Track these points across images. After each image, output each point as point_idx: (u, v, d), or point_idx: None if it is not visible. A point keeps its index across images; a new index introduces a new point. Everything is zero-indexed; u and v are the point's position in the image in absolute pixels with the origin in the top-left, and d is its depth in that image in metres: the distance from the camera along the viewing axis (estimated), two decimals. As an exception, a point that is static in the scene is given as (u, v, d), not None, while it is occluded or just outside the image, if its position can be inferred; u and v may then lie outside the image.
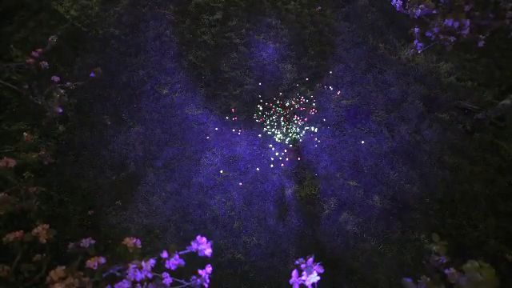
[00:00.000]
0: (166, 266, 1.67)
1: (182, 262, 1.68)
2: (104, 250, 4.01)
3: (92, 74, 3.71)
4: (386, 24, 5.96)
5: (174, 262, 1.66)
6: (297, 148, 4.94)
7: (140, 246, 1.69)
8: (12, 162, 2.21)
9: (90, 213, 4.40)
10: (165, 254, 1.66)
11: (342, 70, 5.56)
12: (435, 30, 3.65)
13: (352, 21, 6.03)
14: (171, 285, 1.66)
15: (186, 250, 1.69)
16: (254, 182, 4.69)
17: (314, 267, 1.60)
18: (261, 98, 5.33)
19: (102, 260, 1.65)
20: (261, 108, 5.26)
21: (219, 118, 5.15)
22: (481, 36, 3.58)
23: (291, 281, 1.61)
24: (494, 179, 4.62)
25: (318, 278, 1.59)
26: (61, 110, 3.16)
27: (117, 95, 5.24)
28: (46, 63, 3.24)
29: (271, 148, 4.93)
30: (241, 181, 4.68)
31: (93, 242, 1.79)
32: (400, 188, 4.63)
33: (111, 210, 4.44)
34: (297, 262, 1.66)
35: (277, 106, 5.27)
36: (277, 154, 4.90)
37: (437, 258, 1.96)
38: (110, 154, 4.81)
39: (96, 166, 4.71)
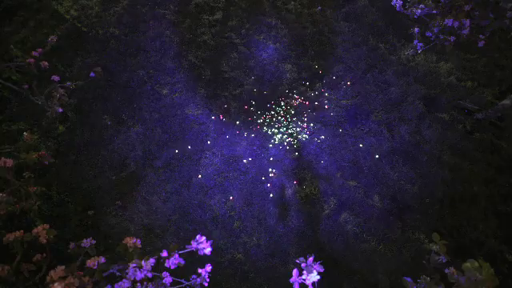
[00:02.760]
0: (166, 265, 1.67)
1: (182, 261, 1.68)
2: (104, 250, 4.01)
3: (92, 74, 3.72)
4: (385, 24, 5.97)
5: (174, 261, 1.66)
6: (297, 148, 4.94)
7: (140, 246, 1.69)
8: (9, 162, 2.20)
9: (89, 213, 4.40)
10: (164, 254, 1.67)
11: (342, 70, 5.56)
12: (435, 29, 3.65)
13: (352, 21, 6.03)
14: (171, 284, 1.66)
15: (185, 249, 1.69)
16: (253, 182, 4.69)
17: (315, 266, 1.60)
18: (261, 98, 5.33)
19: (102, 259, 1.65)
20: (261, 108, 5.26)
21: (219, 118, 5.15)
22: (481, 36, 3.58)
23: (291, 280, 1.61)
24: (494, 179, 4.62)
25: (318, 277, 1.59)
26: (61, 110, 3.16)
27: (117, 95, 5.25)
28: (46, 63, 3.25)
29: (271, 148, 4.94)
30: (240, 181, 4.68)
31: (93, 242, 1.80)
32: (400, 188, 4.63)
33: (111, 210, 4.44)
34: (297, 261, 1.66)
35: (277, 105, 5.27)
36: (277, 154, 4.90)
37: (437, 258, 1.96)
38: (110, 154, 4.81)
39: (96, 166, 4.71)
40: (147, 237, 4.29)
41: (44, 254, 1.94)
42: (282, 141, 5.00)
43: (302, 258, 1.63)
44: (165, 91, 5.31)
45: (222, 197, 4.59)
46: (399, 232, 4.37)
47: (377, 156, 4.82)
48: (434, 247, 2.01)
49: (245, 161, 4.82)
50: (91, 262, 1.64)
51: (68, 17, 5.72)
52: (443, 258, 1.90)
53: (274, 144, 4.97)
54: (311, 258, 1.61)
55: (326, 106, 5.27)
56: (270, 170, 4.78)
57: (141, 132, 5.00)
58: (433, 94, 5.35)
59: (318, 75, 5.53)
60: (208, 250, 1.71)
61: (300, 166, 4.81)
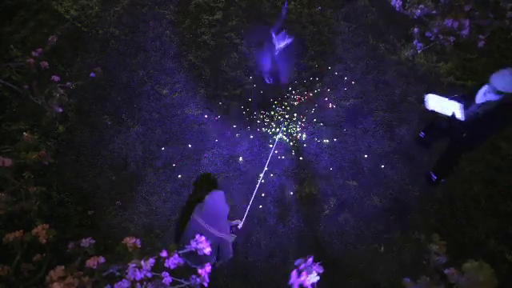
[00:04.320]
0: (166, 265, 1.67)
1: (182, 261, 1.69)
2: (104, 250, 4.00)
3: (92, 74, 3.72)
4: (385, 24, 5.96)
5: (174, 261, 1.66)
6: (297, 148, 4.94)
7: (139, 246, 1.70)
8: (8, 162, 2.21)
9: (89, 213, 4.40)
10: (164, 253, 1.67)
11: (342, 70, 5.56)
12: (435, 30, 3.65)
13: (352, 21, 6.02)
14: (171, 284, 1.66)
15: (185, 249, 1.69)
16: (253, 182, 4.69)
17: (314, 267, 1.60)
18: (261, 98, 5.33)
19: (102, 259, 1.65)
20: (261, 108, 5.26)
21: (219, 118, 5.15)
22: (481, 36, 3.58)
23: (291, 281, 1.61)
24: (494, 179, 4.61)
25: (318, 278, 1.59)
26: (61, 110, 3.17)
27: (117, 95, 5.25)
28: (46, 63, 3.25)
29: (271, 148, 4.94)
30: (240, 181, 4.68)
31: (93, 241, 1.80)
32: (400, 188, 4.63)
33: (111, 210, 4.44)
34: (296, 263, 1.66)
35: (277, 105, 5.27)
36: (277, 154, 4.90)
37: (437, 258, 1.96)
38: (110, 154, 4.81)
39: (96, 166, 4.71)
40: (147, 237, 4.30)
41: (44, 254, 1.94)
42: (282, 141, 5.00)
43: (300, 260, 1.63)
44: (165, 91, 5.31)
45: (222, 197, 4.59)
46: (399, 232, 4.37)
47: (376, 156, 4.82)
48: (434, 247, 2.01)
49: (245, 161, 4.82)
50: (91, 262, 1.64)
51: (68, 17, 5.72)
52: (443, 259, 1.90)
53: (274, 144, 4.97)
54: (310, 259, 1.61)
55: (325, 106, 5.26)
56: (271, 169, 4.78)
57: (141, 132, 5.00)
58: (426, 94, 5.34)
59: (317, 75, 5.53)
60: (208, 250, 1.72)
61: (300, 166, 4.82)
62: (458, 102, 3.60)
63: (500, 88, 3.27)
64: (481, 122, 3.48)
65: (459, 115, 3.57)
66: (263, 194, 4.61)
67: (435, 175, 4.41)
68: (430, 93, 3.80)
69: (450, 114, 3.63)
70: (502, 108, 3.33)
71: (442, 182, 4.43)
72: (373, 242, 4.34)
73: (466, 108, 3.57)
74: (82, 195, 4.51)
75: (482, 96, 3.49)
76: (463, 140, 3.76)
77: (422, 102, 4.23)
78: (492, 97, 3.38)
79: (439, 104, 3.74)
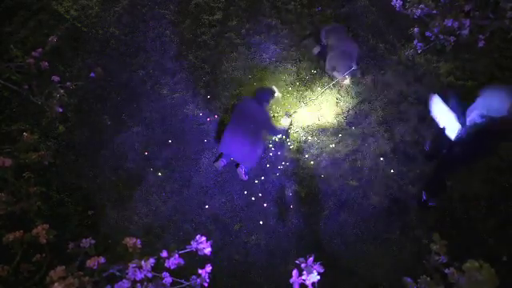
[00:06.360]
0: (166, 265, 1.67)
1: (182, 262, 1.69)
2: (104, 250, 4.00)
3: (92, 74, 3.72)
4: (385, 24, 5.95)
5: (174, 261, 1.66)
6: (297, 148, 4.94)
7: (140, 246, 1.70)
8: (8, 162, 2.21)
9: (89, 213, 4.40)
10: (164, 254, 1.67)
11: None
12: (435, 29, 3.64)
13: (352, 21, 6.02)
14: (171, 284, 1.66)
15: (185, 249, 1.69)
16: (253, 183, 4.69)
17: (314, 267, 1.60)
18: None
19: (102, 260, 1.65)
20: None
21: (219, 118, 5.15)
22: (481, 36, 3.57)
23: (291, 280, 1.61)
24: (494, 179, 4.61)
25: (318, 277, 1.59)
26: (61, 110, 3.17)
27: (117, 95, 5.25)
28: (46, 63, 3.25)
29: (271, 148, 4.93)
30: (240, 182, 4.68)
31: (93, 242, 1.80)
32: (400, 188, 4.62)
33: (111, 210, 4.44)
34: (297, 262, 1.66)
35: (276, 105, 5.27)
36: (277, 154, 4.90)
37: (437, 258, 1.96)
38: (110, 154, 4.81)
39: (96, 166, 4.71)
40: (147, 237, 4.30)
41: (44, 254, 1.94)
42: (282, 141, 5.00)
43: (301, 259, 1.63)
44: (165, 91, 5.31)
45: (222, 197, 4.59)
46: (399, 232, 4.37)
47: (376, 156, 4.82)
48: (434, 247, 2.01)
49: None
50: (91, 262, 1.64)
51: (68, 17, 5.72)
52: (443, 259, 1.90)
53: (273, 144, 4.97)
54: (311, 259, 1.61)
55: (325, 106, 5.26)
56: (271, 169, 4.78)
57: (141, 132, 5.00)
58: (433, 94, 5.33)
59: (317, 75, 5.53)
60: (208, 250, 1.72)
61: (300, 166, 4.81)
62: (458, 118, 3.63)
63: (491, 113, 3.33)
64: (470, 144, 3.51)
65: (452, 135, 3.59)
66: (261, 195, 4.61)
67: (425, 195, 4.37)
68: (435, 95, 3.80)
69: (446, 129, 3.67)
70: (492, 131, 3.36)
71: (431, 204, 4.38)
72: (373, 242, 4.34)
73: (463, 127, 3.58)
74: (82, 195, 4.51)
75: (475, 117, 3.52)
76: (450, 157, 3.81)
77: (427, 100, 4.26)
78: (480, 119, 3.44)
79: (441, 114, 3.82)
